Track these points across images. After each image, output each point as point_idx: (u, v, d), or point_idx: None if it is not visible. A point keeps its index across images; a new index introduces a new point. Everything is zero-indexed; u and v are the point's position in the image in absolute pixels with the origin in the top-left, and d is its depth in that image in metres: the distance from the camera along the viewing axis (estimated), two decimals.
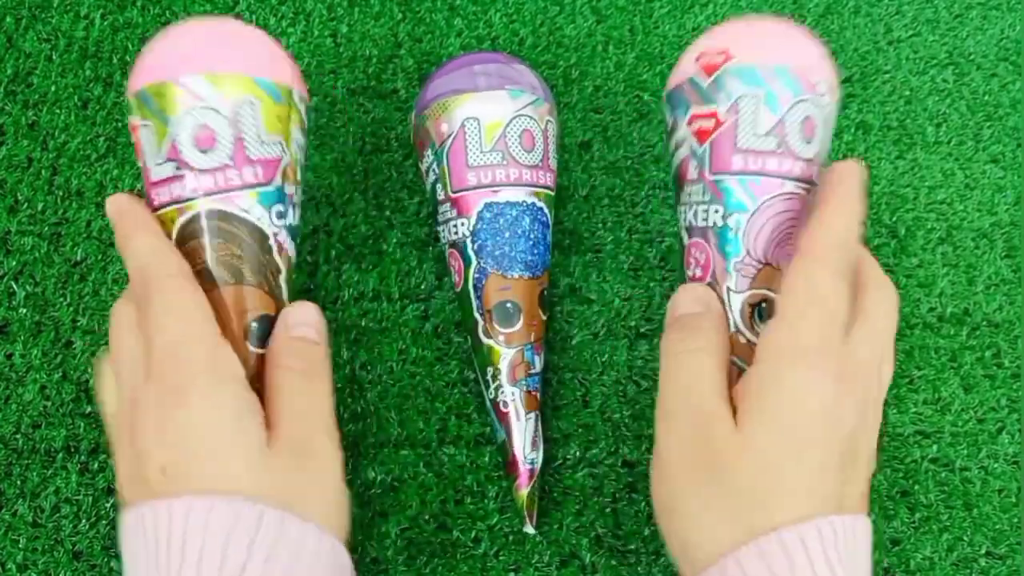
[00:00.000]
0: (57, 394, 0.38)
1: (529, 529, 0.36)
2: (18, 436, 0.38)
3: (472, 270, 0.37)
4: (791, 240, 0.32)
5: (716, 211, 0.33)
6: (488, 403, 0.37)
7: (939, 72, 0.48)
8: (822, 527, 0.26)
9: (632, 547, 0.36)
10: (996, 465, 0.39)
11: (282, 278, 0.32)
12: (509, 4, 0.48)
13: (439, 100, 0.38)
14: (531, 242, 0.37)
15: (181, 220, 0.31)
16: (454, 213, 0.37)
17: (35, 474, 0.37)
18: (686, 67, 0.34)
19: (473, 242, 0.37)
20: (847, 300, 0.28)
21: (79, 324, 0.40)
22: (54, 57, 0.45)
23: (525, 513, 0.36)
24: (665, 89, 0.36)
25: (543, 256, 0.38)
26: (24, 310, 0.40)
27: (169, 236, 0.31)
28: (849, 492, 0.28)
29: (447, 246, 0.38)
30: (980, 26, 0.50)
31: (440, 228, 0.39)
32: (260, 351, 0.31)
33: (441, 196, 0.38)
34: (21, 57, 0.45)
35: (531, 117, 0.37)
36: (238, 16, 0.47)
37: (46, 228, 0.41)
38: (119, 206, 0.31)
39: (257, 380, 0.30)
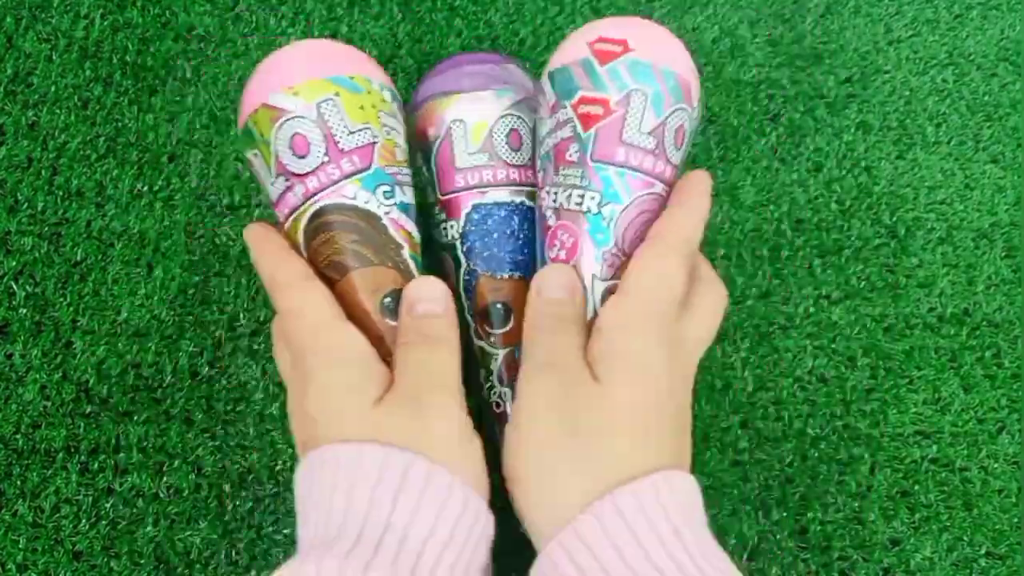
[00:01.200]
0: (57, 394, 0.38)
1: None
2: (18, 436, 0.38)
3: (462, 272, 0.37)
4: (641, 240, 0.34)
5: (592, 198, 0.34)
6: (482, 404, 0.37)
7: (939, 72, 0.48)
8: (672, 479, 0.29)
9: None
10: (996, 465, 0.39)
11: (406, 252, 0.34)
12: (509, 4, 0.48)
13: (428, 103, 0.38)
14: (521, 242, 0.37)
15: (302, 225, 0.33)
16: (444, 216, 0.37)
17: (35, 474, 0.37)
18: (578, 48, 0.34)
19: (463, 244, 0.37)
20: (686, 286, 0.32)
21: (79, 324, 0.40)
22: (54, 57, 0.45)
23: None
24: (549, 67, 0.36)
25: (533, 255, 0.37)
26: (24, 310, 0.40)
27: (298, 245, 0.34)
28: (684, 454, 0.31)
29: (439, 249, 0.38)
30: (980, 26, 0.49)
31: (433, 231, 0.39)
32: (396, 324, 0.34)
33: (431, 199, 0.38)
34: (21, 57, 0.45)
35: (518, 116, 0.37)
36: (239, 14, 0.47)
37: (46, 228, 0.41)
38: (251, 232, 0.35)
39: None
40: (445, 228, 0.37)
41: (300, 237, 0.34)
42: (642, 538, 0.27)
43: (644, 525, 0.27)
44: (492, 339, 0.36)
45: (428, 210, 0.38)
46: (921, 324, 0.42)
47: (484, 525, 0.30)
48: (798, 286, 0.42)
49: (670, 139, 0.34)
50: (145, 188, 0.42)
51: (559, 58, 0.35)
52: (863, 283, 0.42)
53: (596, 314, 0.33)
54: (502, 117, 0.37)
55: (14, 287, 0.40)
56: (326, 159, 0.33)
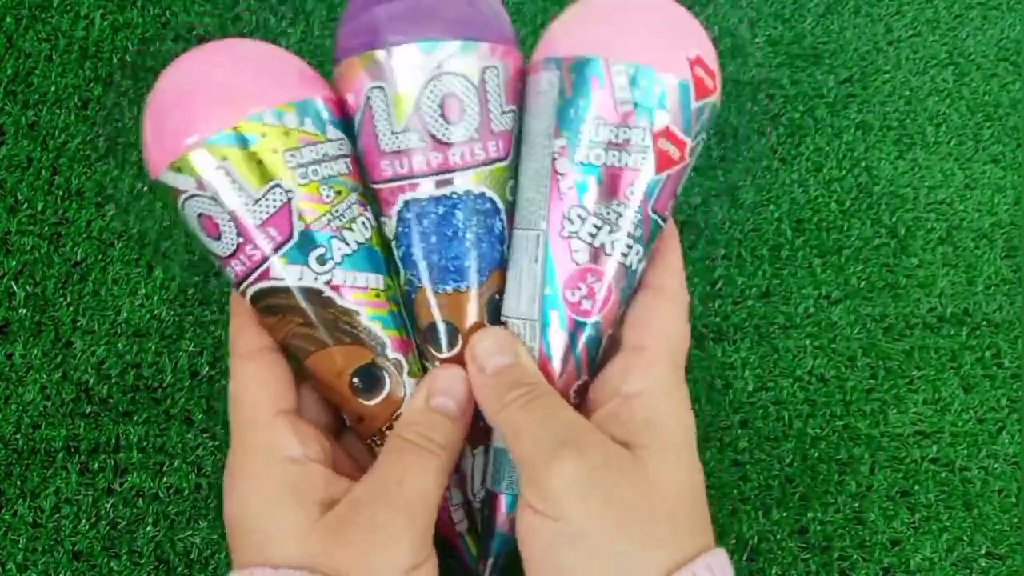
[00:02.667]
0: (57, 394, 0.38)
1: None
2: (18, 436, 0.38)
3: (401, 281, 0.30)
4: None
5: (637, 253, 0.29)
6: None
7: (939, 72, 0.48)
8: (718, 557, 0.26)
9: None
10: (996, 465, 0.39)
11: (363, 318, 0.29)
12: (509, 4, 0.48)
13: (344, 61, 0.29)
14: (467, 244, 0.29)
15: (250, 305, 0.30)
16: (380, 209, 0.30)
17: (35, 474, 0.37)
18: (677, 60, 0.28)
19: (398, 248, 0.30)
20: None
21: (79, 324, 0.40)
22: (54, 57, 0.45)
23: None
24: (623, 52, 0.28)
25: (487, 256, 0.30)
26: (24, 310, 0.40)
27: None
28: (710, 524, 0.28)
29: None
30: (980, 26, 0.49)
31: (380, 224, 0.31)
32: (373, 403, 0.30)
33: (368, 182, 0.30)
34: (21, 57, 0.45)
35: (454, 74, 0.28)
36: (239, 14, 0.47)
37: (46, 228, 0.41)
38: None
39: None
40: (384, 223, 0.30)
41: (256, 315, 0.30)
42: None
43: None
44: (436, 364, 0.30)
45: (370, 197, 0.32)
46: (921, 324, 0.42)
47: None
48: (798, 286, 0.42)
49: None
50: (145, 188, 0.42)
51: (649, 54, 0.27)
52: (863, 283, 0.42)
53: (593, 368, 0.30)
54: (431, 80, 0.27)
55: (14, 287, 0.40)
56: (240, 240, 0.28)
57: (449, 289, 0.29)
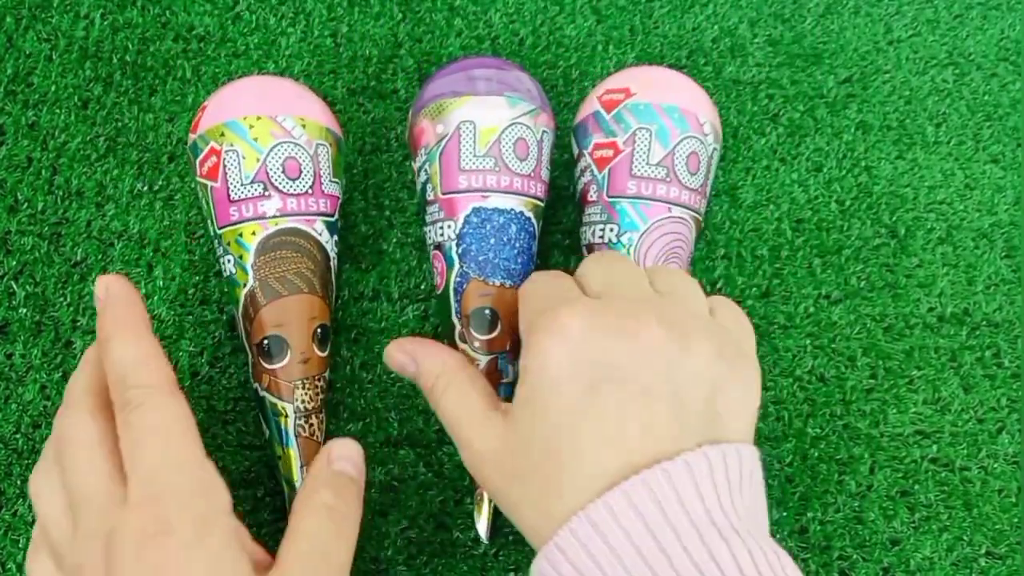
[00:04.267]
0: (57, 394, 0.38)
1: (482, 532, 0.36)
2: (18, 436, 0.38)
3: (454, 274, 0.37)
4: (676, 258, 0.37)
5: (612, 229, 0.37)
6: None
7: (939, 72, 0.48)
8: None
9: None
10: (996, 465, 0.39)
11: (332, 295, 0.37)
12: (509, 4, 0.48)
13: (437, 101, 0.38)
14: (516, 251, 0.37)
15: (263, 234, 0.35)
16: (442, 215, 0.37)
17: None
18: (591, 104, 0.39)
19: (458, 245, 0.37)
20: None
21: (79, 324, 0.40)
22: (54, 57, 0.45)
23: (480, 520, 0.36)
24: (573, 124, 0.41)
25: (526, 266, 0.38)
26: (24, 310, 0.40)
27: (238, 248, 0.35)
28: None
29: (432, 247, 0.38)
30: (980, 26, 0.50)
31: (427, 229, 0.39)
32: (323, 354, 0.36)
33: (430, 197, 0.38)
34: (21, 57, 0.45)
35: (527, 126, 0.37)
36: (239, 14, 0.47)
37: (46, 228, 0.41)
38: (111, 291, 0.29)
39: (312, 413, 0.35)
40: (441, 227, 0.37)
41: (252, 243, 0.35)
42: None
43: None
44: (476, 344, 0.36)
45: (424, 208, 0.38)
46: (921, 324, 0.42)
47: None
48: (798, 286, 0.42)
49: (682, 166, 0.37)
50: (145, 188, 0.42)
51: (579, 116, 0.40)
52: (863, 283, 0.42)
53: None
54: (511, 124, 0.37)
55: (14, 287, 0.40)
56: (311, 191, 0.36)
57: (497, 282, 0.36)
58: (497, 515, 0.37)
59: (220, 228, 0.36)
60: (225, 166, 0.35)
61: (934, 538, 0.38)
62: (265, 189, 0.35)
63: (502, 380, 0.36)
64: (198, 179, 0.37)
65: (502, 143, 0.37)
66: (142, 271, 0.41)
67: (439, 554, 0.37)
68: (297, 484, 0.34)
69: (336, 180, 0.38)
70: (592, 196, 0.38)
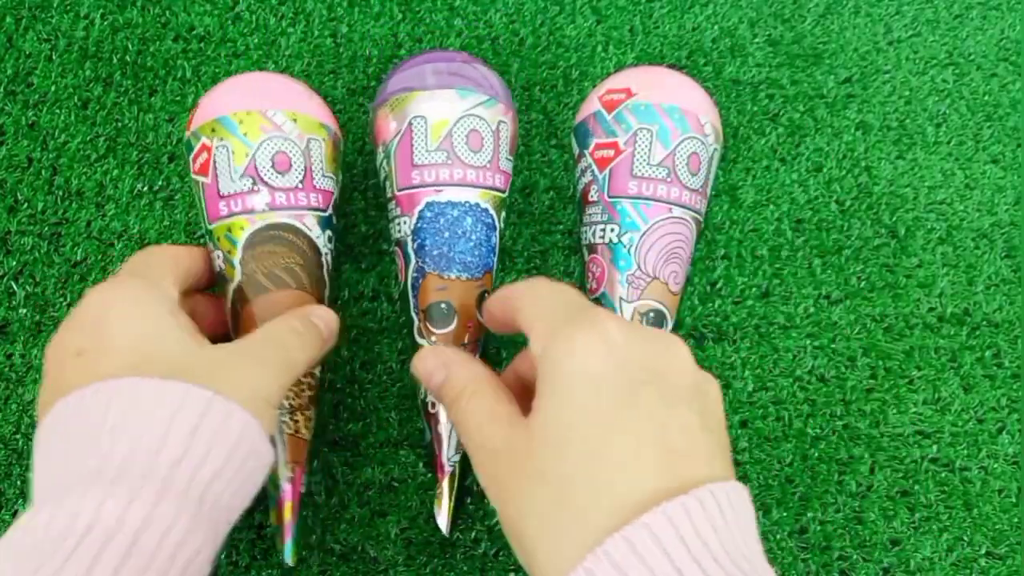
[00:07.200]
0: None
1: (443, 526, 0.36)
2: (18, 436, 0.38)
3: (411, 269, 0.37)
4: (676, 259, 0.37)
5: (612, 229, 0.37)
6: (419, 403, 0.37)
7: (939, 72, 0.48)
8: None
9: None
10: (996, 465, 0.39)
11: (325, 293, 0.37)
12: (509, 4, 0.48)
13: (393, 97, 0.38)
14: (472, 243, 0.37)
15: (251, 228, 0.35)
16: (399, 211, 0.37)
17: None
18: (591, 104, 0.39)
19: (413, 241, 0.37)
20: None
21: None
22: (54, 57, 0.45)
23: (440, 512, 0.36)
24: (573, 124, 0.40)
25: (485, 258, 0.37)
26: (24, 310, 0.40)
27: (227, 245, 0.35)
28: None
29: (394, 244, 0.38)
30: (980, 26, 0.50)
31: (389, 226, 0.39)
32: None
33: (389, 194, 0.38)
34: (21, 57, 0.45)
35: (480, 117, 0.37)
36: (239, 14, 0.47)
37: (46, 228, 0.41)
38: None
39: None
40: (399, 223, 0.37)
41: (241, 237, 0.35)
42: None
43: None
44: (433, 339, 0.36)
45: (385, 205, 0.39)
46: (921, 324, 0.42)
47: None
48: (798, 286, 0.42)
49: (683, 166, 0.37)
50: (145, 188, 0.42)
51: (579, 116, 0.40)
52: (863, 283, 0.42)
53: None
54: (464, 116, 0.37)
55: (14, 287, 0.40)
56: (301, 186, 0.36)
57: (452, 276, 0.36)
58: (458, 507, 0.37)
59: (211, 224, 0.36)
60: (215, 162, 0.35)
61: (934, 538, 0.38)
62: (254, 183, 0.35)
63: None
64: (192, 176, 0.36)
65: (454, 136, 0.36)
66: None
67: (439, 554, 0.37)
68: (281, 483, 0.34)
69: (330, 175, 0.37)
70: (593, 196, 0.38)
